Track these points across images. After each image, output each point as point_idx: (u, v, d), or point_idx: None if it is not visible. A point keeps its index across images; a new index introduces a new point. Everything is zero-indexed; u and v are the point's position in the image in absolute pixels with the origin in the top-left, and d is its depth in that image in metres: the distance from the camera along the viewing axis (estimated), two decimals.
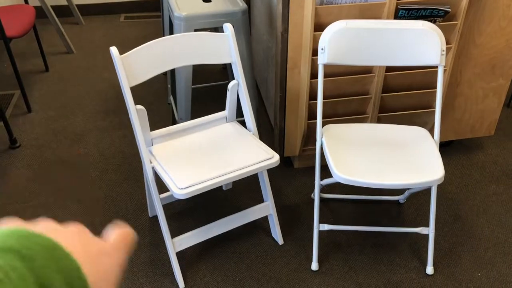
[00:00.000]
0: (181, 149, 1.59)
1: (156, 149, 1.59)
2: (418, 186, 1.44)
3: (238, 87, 1.66)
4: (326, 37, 1.55)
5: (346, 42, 1.56)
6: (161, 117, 2.48)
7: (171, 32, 2.03)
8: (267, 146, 1.58)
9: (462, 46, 1.88)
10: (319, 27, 1.69)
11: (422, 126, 2.04)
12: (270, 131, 2.32)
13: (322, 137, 1.61)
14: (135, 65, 1.48)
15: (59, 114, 2.53)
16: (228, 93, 1.67)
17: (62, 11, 3.66)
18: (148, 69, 1.52)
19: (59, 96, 2.69)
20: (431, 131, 2.07)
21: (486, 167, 2.16)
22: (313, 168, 2.13)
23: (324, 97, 1.86)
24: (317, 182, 1.63)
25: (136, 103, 1.49)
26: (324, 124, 1.89)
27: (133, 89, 1.47)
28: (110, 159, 2.19)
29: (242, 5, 1.83)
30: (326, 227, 1.66)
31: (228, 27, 1.58)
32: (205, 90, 2.66)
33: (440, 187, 2.02)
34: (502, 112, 2.28)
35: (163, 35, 2.76)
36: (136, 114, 1.49)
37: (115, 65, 1.46)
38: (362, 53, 1.58)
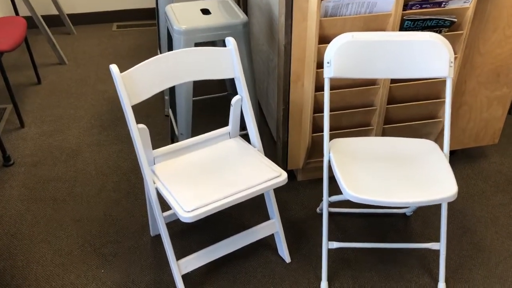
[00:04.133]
0: (185, 168, 1.53)
1: (159, 168, 1.54)
2: (430, 204, 1.41)
3: (241, 103, 1.61)
4: (332, 51, 1.51)
5: (352, 55, 1.52)
6: (159, 130, 2.42)
7: (170, 45, 1.98)
8: (273, 163, 1.53)
9: (467, 55, 1.85)
10: (323, 40, 1.65)
11: (427, 136, 2.02)
12: (271, 143, 2.28)
13: (329, 152, 1.57)
14: (136, 82, 1.43)
15: (54, 129, 2.46)
16: (232, 109, 1.62)
17: (53, 21, 3.59)
18: (150, 87, 1.46)
19: (53, 110, 2.62)
20: (437, 141, 2.04)
21: (490, 176, 2.13)
22: (317, 180, 2.10)
23: (330, 110, 1.82)
24: (325, 199, 1.58)
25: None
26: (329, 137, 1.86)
27: None
28: (108, 176, 2.13)
29: (243, 17, 1.78)
30: (335, 245, 1.61)
31: (231, 41, 1.54)
32: (204, 102, 2.61)
33: None
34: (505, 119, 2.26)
35: (159, 46, 2.71)
36: (138, 133, 1.44)
37: (115, 83, 1.40)
38: (369, 66, 1.54)
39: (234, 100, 1.60)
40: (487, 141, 2.15)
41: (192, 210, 1.34)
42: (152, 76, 1.46)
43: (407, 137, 1.98)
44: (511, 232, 1.84)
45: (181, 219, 1.34)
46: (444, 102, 1.88)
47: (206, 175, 1.49)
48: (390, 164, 1.52)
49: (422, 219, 1.89)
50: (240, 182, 1.44)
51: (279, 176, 1.47)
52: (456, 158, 2.22)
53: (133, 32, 3.57)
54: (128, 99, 1.41)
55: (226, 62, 1.56)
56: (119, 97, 1.42)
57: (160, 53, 2.69)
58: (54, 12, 3.56)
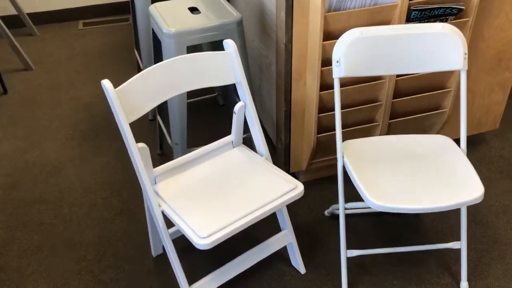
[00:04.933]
0: (191, 185, 1.40)
1: (162, 188, 1.40)
2: (458, 207, 1.34)
3: (245, 109, 1.49)
4: (340, 49, 1.40)
5: (363, 52, 1.42)
6: (145, 137, 2.27)
7: (157, 49, 1.82)
8: (286, 174, 1.42)
9: (471, 41, 1.78)
10: (327, 36, 1.54)
11: (432, 127, 1.95)
12: (268, 144, 2.16)
13: (343, 157, 1.47)
14: (132, 97, 1.28)
15: (29, 144, 2.26)
16: (235, 116, 1.49)
17: (13, 22, 3.32)
18: (147, 101, 1.32)
19: (25, 122, 2.42)
20: (441, 131, 1.98)
21: (493, 162, 2.09)
22: (320, 180, 2.00)
23: (332, 109, 1.72)
24: (342, 207, 1.49)
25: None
26: (330, 139, 1.76)
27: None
28: (96, 192, 1.97)
29: (237, 14, 1.65)
30: (355, 253, 1.53)
31: (230, 44, 1.40)
32: (191, 105, 2.46)
33: None
34: None
35: (136, 44, 2.53)
36: (139, 153, 1.30)
37: (109, 101, 1.25)
38: (381, 63, 1.44)
39: (237, 107, 1.47)
40: (488, 127, 2.11)
41: (208, 236, 1.22)
42: (149, 89, 1.32)
43: (412, 130, 1.91)
44: None
45: (197, 246, 1.21)
46: (449, 92, 1.81)
47: (215, 193, 1.37)
48: (408, 166, 1.44)
49: (434, 215, 1.84)
50: (255, 199, 1.33)
51: (295, 188, 1.36)
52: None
53: (101, 30, 3.35)
54: (125, 117, 1.26)
55: (226, 67, 1.43)
56: (115, 115, 1.27)
57: (138, 53, 2.51)
58: (13, 12, 3.29)
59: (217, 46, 2.01)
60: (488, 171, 2.04)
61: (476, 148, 2.17)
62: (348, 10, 1.50)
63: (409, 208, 1.30)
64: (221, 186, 1.39)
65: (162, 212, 1.34)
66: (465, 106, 1.47)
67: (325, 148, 1.82)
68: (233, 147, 1.56)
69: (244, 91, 1.46)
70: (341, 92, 1.68)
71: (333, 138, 1.77)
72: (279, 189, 1.35)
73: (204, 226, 1.24)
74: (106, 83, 1.24)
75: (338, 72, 1.43)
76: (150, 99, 1.33)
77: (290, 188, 1.36)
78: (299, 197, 1.35)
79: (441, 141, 1.54)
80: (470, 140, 2.19)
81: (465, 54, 1.44)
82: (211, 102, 2.50)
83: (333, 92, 1.65)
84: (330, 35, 1.54)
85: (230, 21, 1.62)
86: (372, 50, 1.42)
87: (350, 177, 1.41)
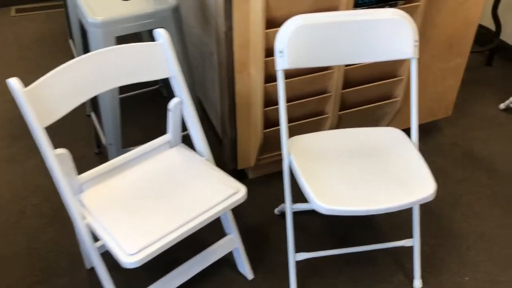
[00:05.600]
0: (121, 193, 1.26)
1: (88, 197, 1.25)
2: (411, 206, 1.26)
3: (182, 106, 1.35)
4: (283, 38, 1.28)
5: (307, 41, 1.30)
6: (82, 134, 2.09)
7: (84, 39, 1.65)
8: (228, 176, 1.30)
9: (422, 28, 1.70)
10: (269, 23, 1.41)
11: (384, 117, 1.88)
12: (215, 139, 2.03)
13: (289, 155, 1.36)
14: (47, 98, 1.12)
15: None
16: (170, 114, 1.36)
17: None
18: (66, 100, 1.16)
19: None
20: (394, 120, 1.90)
21: (446, 150, 2.05)
22: (270, 176, 1.90)
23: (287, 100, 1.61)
24: (289, 208, 1.39)
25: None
26: (277, 134, 1.65)
27: None
28: (26, 198, 1.79)
29: (172, 2, 1.49)
30: (303, 256, 1.44)
31: (161, 33, 1.26)
32: (131, 99, 2.29)
33: None
34: None
35: (70, 33, 2.33)
36: (56, 161, 1.14)
37: (18, 102, 1.09)
38: (328, 52, 1.33)
39: (172, 104, 1.33)
40: (442, 114, 2.06)
41: (137, 252, 1.09)
42: (68, 87, 1.16)
43: (364, 120, 1.83)
44: (476, 211, 1.76)
45: (124, 265, 1.08)
46: (401, 80, 1.74)
47: (148, 201, 1.23)
48: (358, 163, 1.35)
49: None
50: (191, 207, 1.20)
51: (237, 192, 1.24)
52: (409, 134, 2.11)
53: (37, 17, 3.10)
54: (37, 121, 1.10)
55: (158, 60, 1.29)
56: (26, 119, 1.11)
57: (73, 42, 2.31)
58: None
59: None
60: (443, 160, 1.99)
61: (430, 136, 2.12)
62: None
63: (357, 210, 1.21)
64: (154, 193, 1.26)
65: (88, 226, 1.20)
66: (416, 97, 1.39)
67: (274, 143, 1.71)
68: (171, 147, 1.43)
69: (179, 86, 1.32)
70: (287, 84, 1.57)
71: (278, 132, 1.66)
72: (219, 194, 1.23)
73: (133, 241, 1.11)
74: (13, 82, 1.08)
75: (282, 63, 1.31)
76: (69, 99, 1.17)
77: (230, 192, 1.24)
78: (240, 202, 1.24)
79: (393, 134, 1.45)
80: (424, 128, 2.14)
81: (416, 41, 1.35)
82: (154, 94, 2.33)
83: (274, 84, 1.53)
84: (274, 23, 1.42)
85: (164, 8, 1.47)
86: (317, 39, 1.31)
87: (296, 178, 1.30)
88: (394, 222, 1.71)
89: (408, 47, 1.35)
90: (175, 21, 1.50)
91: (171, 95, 1.34)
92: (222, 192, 1.24)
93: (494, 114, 2.26)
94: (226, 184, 1.27)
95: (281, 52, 1.30)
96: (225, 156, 1.80)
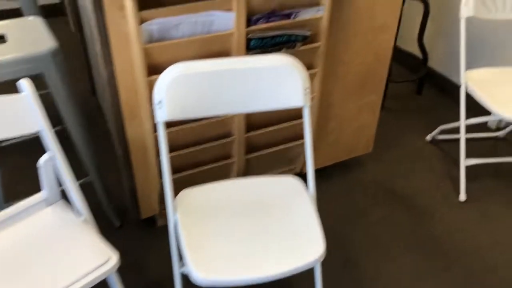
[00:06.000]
0: None
1: None
2: (297, 272, 1.17)
3: (53, 161, 1.23)
4: (162, 88, 1.18)
5: (189, 91, 1.21)
6: None
7: None
8: (101, 241, 1.18)
9: (330, 66, 1.63)
10: (154, 69, 1.32)
11: (297, 158, 1.80)
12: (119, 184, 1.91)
13: (175, 213, 1.26)
14: None
15: None
16: (42, 171, 1.23)
17: None
18: None
19: None
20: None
21: (367, 187, 1.98)
22: None
23: (180, 147, 1.51)
24: (177, 273, 1.28)
25: None
26: (180, 181, 1.55)
27: None
28: None
29: (51, 44, 1.37)
30: None
31: (25, 85, 1.14)
32: (16, 147, 2.12)
33: (322, 223, 1.79)
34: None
35: None
36: None
37: None
38: (213, 102, 1.24)
39: (42, 160, 1.21)
40: (361, 151, 2.00)
41: None
42: None
43: (275, 163, 1.75)
44: (393, 254, 1.69)
45: None
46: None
47: (5, 276, 1.10)
48: (248, 221, 1.25)
49: None
50: (49, 282, 1.07)
51: (106, 262, 1.13)
52: (332, 170, 2.04)
53: None
54: None
55: (23, 114, 1.16)
56: None
57: None
58: None
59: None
60: (362, 198, 1.93)
61: (352, 172, 2.06)
62: (174, 40, 1.28)
63: (239, 280, 1.11)
64: (13, 267, 1.13)
65: None
66: (310, 146, 1.31)
67: (177, 188, 1.60)
68: (48, 206, 1.30)
69: (50, 141, 1.20)
70: (187, 129, 1.48)
71: (180, 179, 1.56)
72: (85, 265, 1.11)
73: None
74: None
75: (161, 115, 1.21)
76: None
77: (99, 262, 1.12)
78: (110, 273, 1.12)
79: (289, 184, 1.37)
80: (345, 164, 2.07)
81: (306, 89, 1.27)
82: (59, 135, 2.19)
83: (173, 131, 1.44)
84: (160, 69, 1.32)
85: (42, 52, 1.34)
86: (200, 88, 1.22)
87: (178, 241, 1.20)
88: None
89: (298, 95, 1.27)
90: (56, 66, 1.38)
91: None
92: (89, 262, 1.12)
93: (420, 147, 2.22)
94: (96, 251, 1.15)
95: (160, 102, 1.20)
96: (127, 203, 1.68)
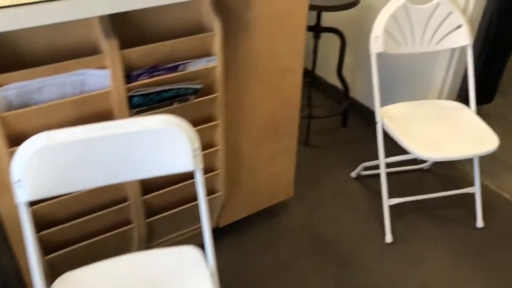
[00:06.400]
0: None
1: None
2: None
3: None
4: (20, 164, 1.01)
5: (55, 164, 1.04)
6: None
7: None
8: None
9: (233, 115, 1.51)
10: (19, 139, 1.14)
11: (210, 214, 1.65)
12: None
13: None
14: None
15: None
16: None
17: None
18: None
19: None
20: (224, 215, 1.69)
21: (292, 234, 1.86)
22: None
23: (66, 220, 1.33)
24: None
25: None
26: (70, 257, 1.36)
27: None
28: None
29: None
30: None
31: None
32: None
33: (243, 281, 1.65)
34: (296, 168, 2.04)
35: None
36: None
37: None
38: (87, 173, 1.08)
39: None
40: (283, 196, 1.88)
41: None
42: None
43: (184, 222, 1.60)
44: None
45: None
46: (216, 174, 1.53)
47: None
48: None
49: None
50: None
51: None
52: (257, 217, 1.91)
53: None
54: None
55: None
56: None
57: None
58: None
59: None
60: (287, 249, 1.80)
61: (276, 218, 1.93)
62: (38, 105, 1.12)
63: None
64: None
65: None
66: (205, 212, 1.17)
67: (72, 266, 1.41)
68: None
69: None
70: (71, 200, 1.30)
71: (70, 255, 1.37)
72: None
73: None
74: None
75: (22, 195, 1.03)
76: None
77: None
78: None
79: (187, 256, 1.21)
80: (269, 210, 1.94)
81: (195, 151, 1.13)
82: None
83: (48, 204, 1.26)
84: (25, 138, 1.14)
85: None
86: (69, 160, 1.05)
87: None
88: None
89: (187, 158, 1.13)
90: None
91: None
92: None
93: (344, 184, 2.14)
94: None
95: (18, 181, 1.02)
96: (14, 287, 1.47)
